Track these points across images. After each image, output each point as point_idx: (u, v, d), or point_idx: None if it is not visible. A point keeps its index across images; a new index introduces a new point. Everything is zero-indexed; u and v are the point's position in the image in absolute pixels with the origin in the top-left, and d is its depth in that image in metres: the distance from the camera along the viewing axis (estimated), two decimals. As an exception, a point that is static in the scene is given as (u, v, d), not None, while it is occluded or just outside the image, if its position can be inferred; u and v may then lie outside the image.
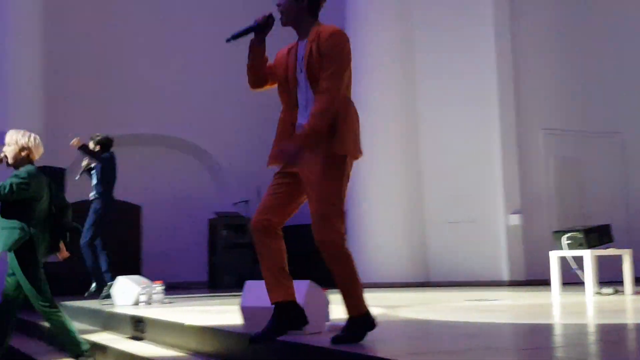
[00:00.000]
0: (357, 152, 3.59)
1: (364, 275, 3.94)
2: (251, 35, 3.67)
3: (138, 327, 5.81)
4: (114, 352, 5.54)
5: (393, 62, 11.04)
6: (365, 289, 3.70)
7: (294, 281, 4.03)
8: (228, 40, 3.63)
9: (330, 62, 3.50)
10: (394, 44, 11.08)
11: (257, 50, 3.69)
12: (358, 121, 3.62)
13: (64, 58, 12.04)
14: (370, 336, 3.67)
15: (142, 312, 6.30)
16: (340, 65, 3.51)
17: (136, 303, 7.09)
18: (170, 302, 7.22)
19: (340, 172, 3.51)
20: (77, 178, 9.00)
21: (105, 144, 8.60)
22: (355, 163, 3.67)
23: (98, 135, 8.73)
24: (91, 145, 8.60)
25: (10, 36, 10.66)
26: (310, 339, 3.94)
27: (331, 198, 3.48)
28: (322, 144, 3.49)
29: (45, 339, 7.33)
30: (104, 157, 8.45)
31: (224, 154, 13.38)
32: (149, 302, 7.10)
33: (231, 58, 13.29)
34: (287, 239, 3.70)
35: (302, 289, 4.04)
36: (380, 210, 10.65)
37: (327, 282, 6.09)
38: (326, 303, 4.23)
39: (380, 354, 3.25)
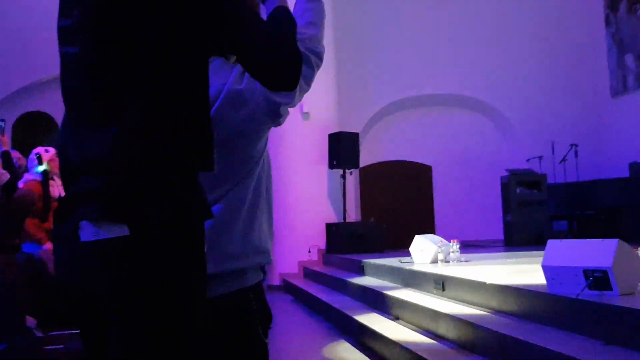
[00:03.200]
0: None
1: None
2: None
3: (438, 284, 5.95)
4: (416, 307, 5.74)
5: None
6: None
7: (602, 240, 3.83)
8: None
9: None
10: None
11: None
12: None
13: (354, 20, 12.51)
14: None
15: (441, 270, 6.42)
16: None
17: (434, 261, 7.24)
18: (467, 261, 7.26)
19: None
20: None
21: None
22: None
23: None
24: None
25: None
26: (622, 300, 3.73)
27: None
28: None
29: (351, 294, 7.83)
30: None
31: (515, 110, 13.03)
32: (446, 261, 7.21)
33: (518, 13, 12.90)
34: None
35: (610, 248, 3.82)
36: None
37: (636, 240, 5.69)
38: (639, 263, 3.96)
39: None
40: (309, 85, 2.01)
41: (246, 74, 1.93)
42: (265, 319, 2.02)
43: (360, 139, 11.76)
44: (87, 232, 1.43)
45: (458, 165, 12.96)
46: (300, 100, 2.01)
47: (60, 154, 1.54)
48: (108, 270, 1.44)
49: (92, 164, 1.45)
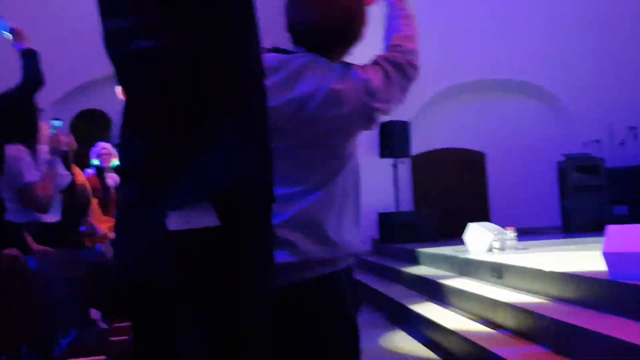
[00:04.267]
0: None
1: None
2: None
3: (495, 273, 5.89)
4: (472, 296, 5.70)
5: None
6: None
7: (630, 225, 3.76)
8: None
9: None
10: None
11: None
12: None
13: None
14: None
15: (498, 258, 6.35)
16: None
17: (489, 249, 7.17)
18: (524, 248, 7.17)
19: None
20: None
21: None
22: None
23: None
24: None
25: None
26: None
27: None
28: None
29: (405, 284, 7.82)
30: None
31: (570, 93, 12.74)
32: (502, 249, 7.13)
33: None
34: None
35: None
36: None
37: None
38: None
39: None
40: (405, 96, 2.07)
41: (346, 75, 1.99)
42: (356, 301, 2.11)
43: (412, 127, 11.68)
44: (176, 220, 1.44)
45: (512, 151, 12.76)
46: (395, 109, 2.08)
47: (142, 145, 1.56)
48: (198, 260, 1.46)
49: (177, 153, 1.47)
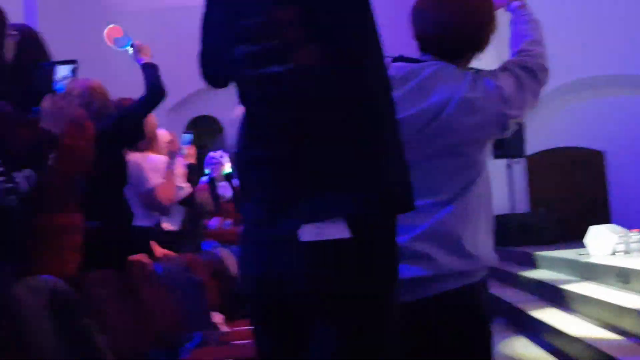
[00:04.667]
0: None
1: None
2: None
3: (621, 278, 5.62)
4: (597, 302, 5.47)
5: None
6: None
7: None
8: None
9: None
10: None
11: None
12: None
13: None
14: None
15: (624, 262, 6.06)
16: None
17: (613, 253, 6.85)
18: (651, 251, 6.81)
19: None
20: None
21: None
22: None
23: None
24: None
25: None
26: None
27: None
28: None
29: (523, 288, 7.59)
30: None
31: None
32: (627, 252, 6.80)
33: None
34: None
35: None
36: None
37: None
38: None
39: None
40: (536, 100, 2.03)
41: (478, 83, 1.97)
42: (490, 313, 2.08)
43: (526, 126, 11.36)
44: (308, 232, 1.46)
45: (634, 150, 12.15)
46: (526, 115, 2.04)
47: (269, 163, 1.56)
48: (328, 270, 1.47)
49: (312, 171, 1.50)
